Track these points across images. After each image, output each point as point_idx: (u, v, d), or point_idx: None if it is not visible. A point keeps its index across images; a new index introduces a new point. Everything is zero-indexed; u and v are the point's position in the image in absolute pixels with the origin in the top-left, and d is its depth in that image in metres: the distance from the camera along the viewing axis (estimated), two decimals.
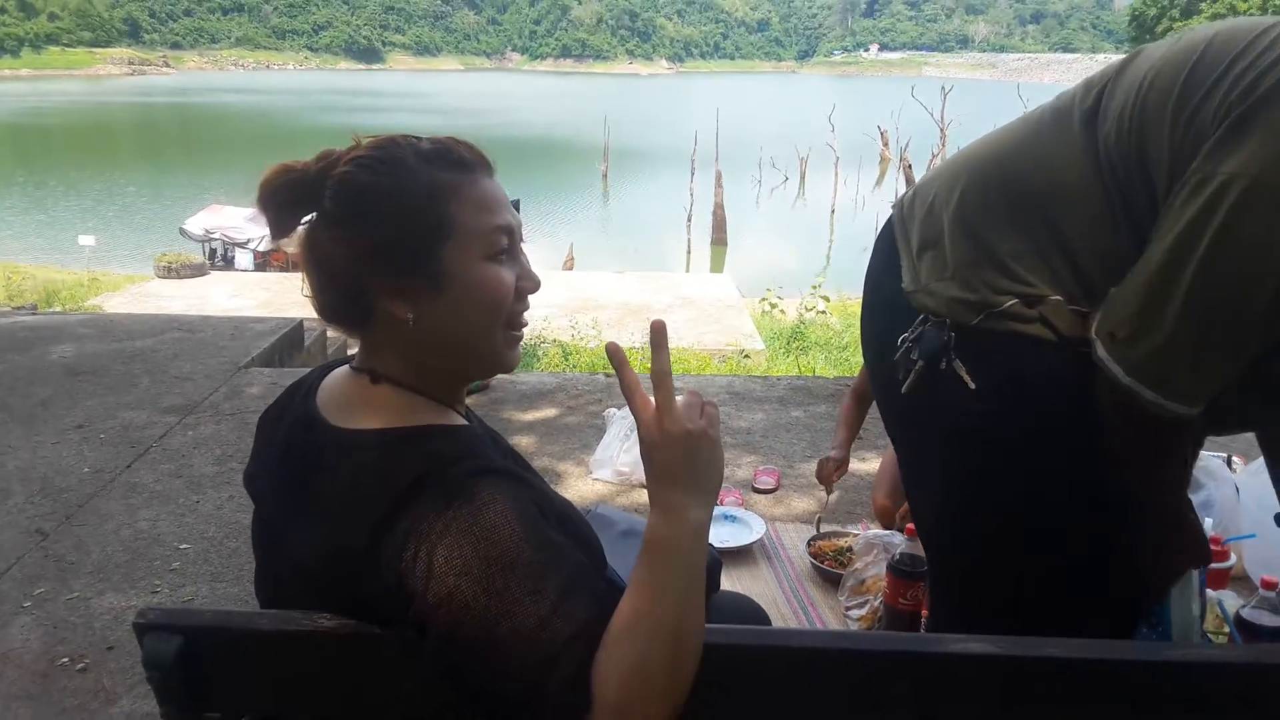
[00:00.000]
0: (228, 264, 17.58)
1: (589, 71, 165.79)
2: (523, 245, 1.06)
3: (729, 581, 2.51)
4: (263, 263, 17.00)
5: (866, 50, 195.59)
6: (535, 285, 1.06)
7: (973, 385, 1.24)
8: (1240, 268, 1.05)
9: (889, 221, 1.43)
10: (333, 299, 0.99)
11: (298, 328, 5.04)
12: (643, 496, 3.02)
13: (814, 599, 2.42)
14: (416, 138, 1.01)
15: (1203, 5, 39.46)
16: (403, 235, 0.95)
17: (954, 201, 1.30)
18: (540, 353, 6.90)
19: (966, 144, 1.42)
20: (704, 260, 20.83)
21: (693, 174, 23.55)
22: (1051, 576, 1.30)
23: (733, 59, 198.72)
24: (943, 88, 26.92)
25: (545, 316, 9.35)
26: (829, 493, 2.59)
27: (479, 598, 0.83)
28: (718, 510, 2.79)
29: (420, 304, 0.96)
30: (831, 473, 2.48)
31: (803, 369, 7.18)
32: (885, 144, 32.20)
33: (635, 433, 3.17)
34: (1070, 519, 1.25)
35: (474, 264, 0.97)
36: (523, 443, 3.47)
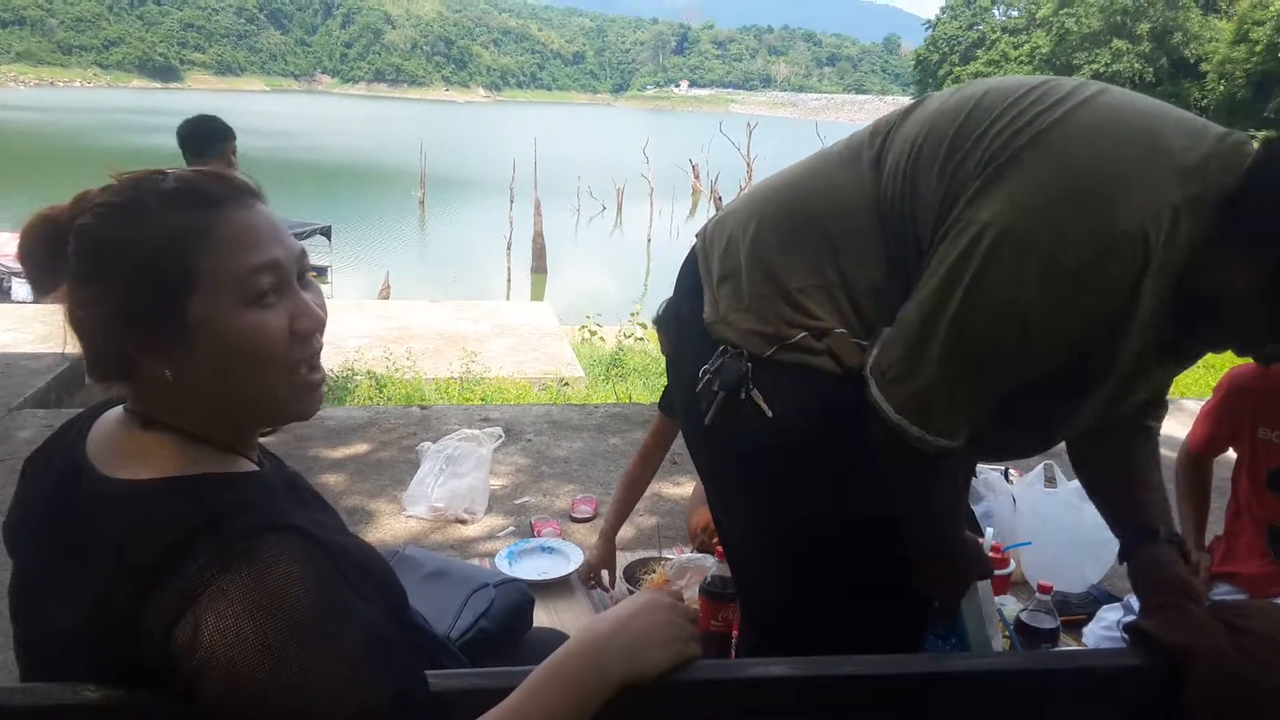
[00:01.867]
0: (3, 295, 15.98)
1: (404, 97, 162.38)
2: (312, 275, 0.99)
3: (545, 616, 2.48)
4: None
5: (677, 86, 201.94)
6: (315, 324, 0.94)
7: (770, 413, 1.29)
8: (992, 313, 1.11)
9: (692, 252, 1.47)
10: (94, 359, 0.90)
11: (77, 364, 4.62)
12: (457, 532, 2.95)
13: None
14: (162, 173, 0.91)
15: (979, 52, 43.10)
16: (142, 291, 0.86)
17: (749, 235, 1.35)
18: (351, 385, 6.64)
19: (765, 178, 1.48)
20: (525, 288, 20.75)
21: (511, 202, 23.44)
22: (843, 595, 1.35)
23: (549, 89, 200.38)
24: (748, 124, 28.11)
25: (358, 347, 9.03)
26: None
27: (256, 670, 0.76)
28: (534, 542, 2.76)
29: (176, 361, 0.87)
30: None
31: (620, 395, 7.27)
32: (696, 176, 33.23)
33: (451, 466, 3.11)
34: (857, 541, 1.31)
35: (229, 313, 0.87)
36: (331, 481, 3.33)
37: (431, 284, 19.57)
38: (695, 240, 1.46)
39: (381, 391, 6.47)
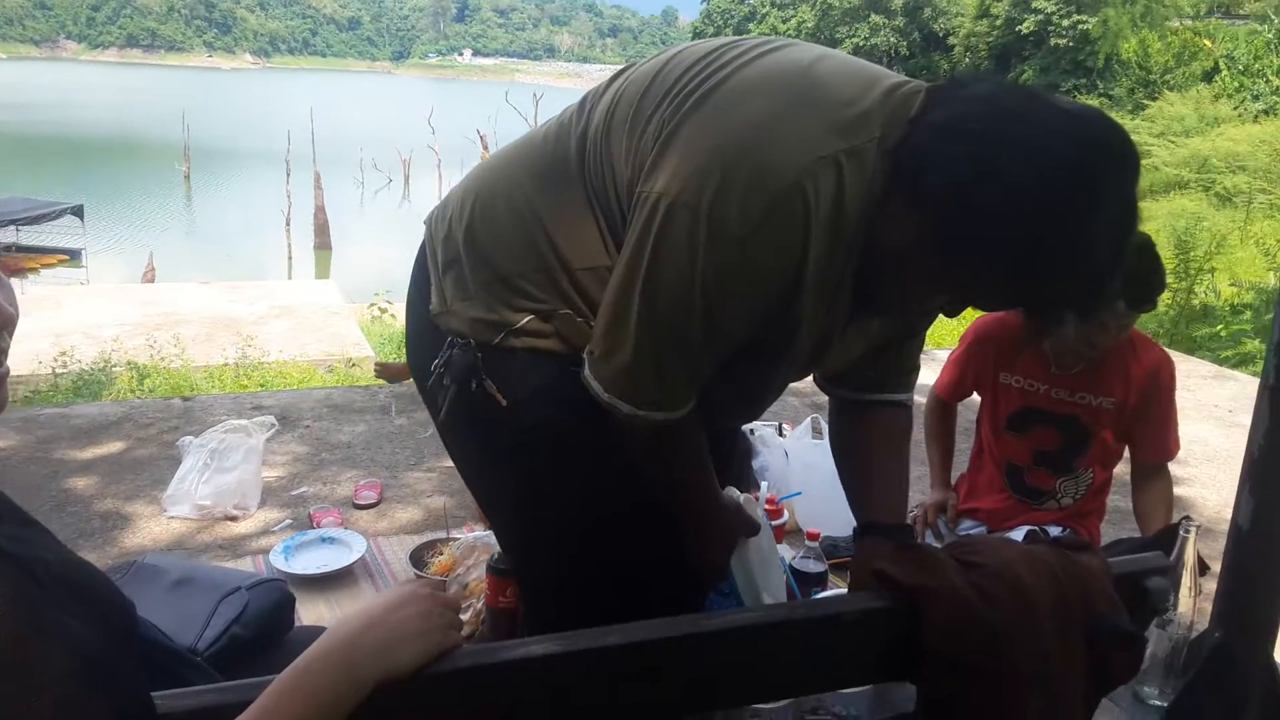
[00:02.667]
0: None
1: (161, 64, 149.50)
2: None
3: (327, 610, 2.38)
4: None
5: (461, 54, 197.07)
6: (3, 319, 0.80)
7: (504, 402, 1.26)
8: (674, 287, 1.10)
9: (424, 240, 1.41)
10: None
11: None
12: (227, 530, 2.76)
13: None
14: None
15: (750, 26, 44.64)
16: None
17: (465, 220, 1.30)
18: (106, 379, 6.08)
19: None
20: (308, 266, 19.72)
21: (288, 175, 22.17)
22: (611, 570, 1.35)
23: (324, 56, 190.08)
24: (534, 94, 27.91)
25: (116, 336, 8.31)
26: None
27: None
28: (313, 534, 2.63)
29: None
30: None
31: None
32: (485, 146, 32.63)
33: (217, 461, 2.90)
34: (616, 517, 1.31)
35: None
36: (80, 485, 3.02)
37: (202, 265, 18.26)
38: (425, 226, 1.41)
39: (143, 384, 5.97)
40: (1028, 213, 0.99)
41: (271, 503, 2.94)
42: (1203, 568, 1.53)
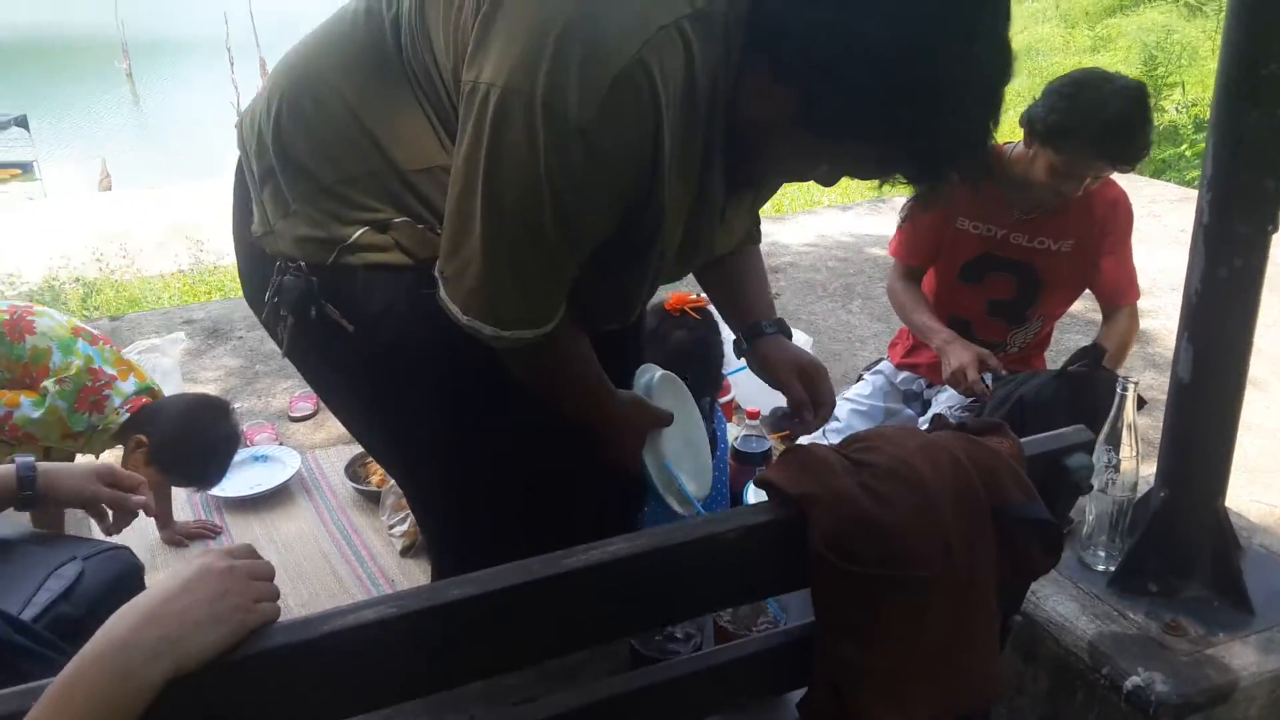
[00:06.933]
0: None
1: None
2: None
3: (262, 531, 2.30)
4: None
5: None
6: None
7: (350, 328, 1.12)
8: (518, 185, 0.97)
9: (239, 151, 1.23)
10: None
11: None
12: None
13: (357, 525, 2.30)
14: None
15: None
16: None
17: (272, 124, 1.13)
18: (52, 298, 5.88)
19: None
20: None
21: (232, 64, 21.21)
22: (510, 484, 1.25)
23: None
24: None
25: (65, 253, 8.05)
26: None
27: None
28: (245, 453, 2.53)
29: None
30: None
31: None
32: None
33: None
34: (499, 430, 1.20)
35: None
36: None
37: (156, 166, 17.67)
38: (236, 134, 1.23)
39: (89, 301, 5.79)
40: (898, 78, 0.91)
41: None
42: (1140, 402, 1.43)
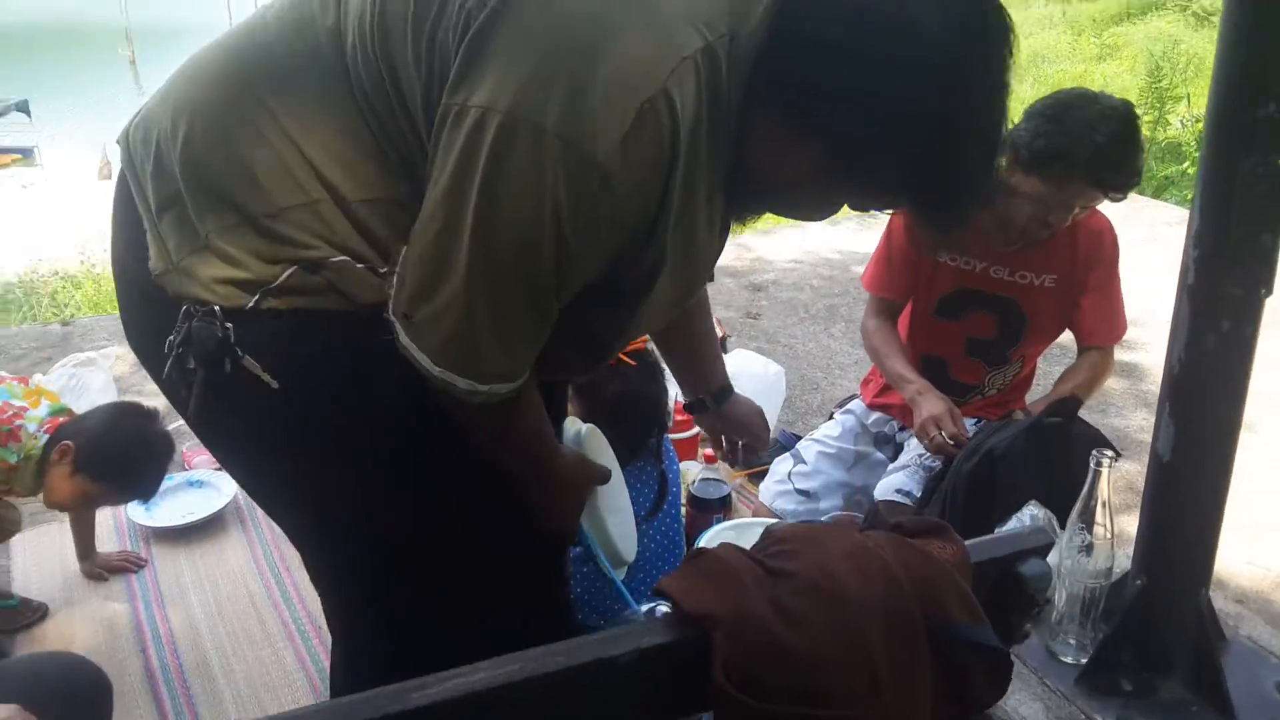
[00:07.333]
0: None
1: None
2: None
3: (189, 567, 2.17)
4: None
5: None
6: None
7: (275, 384, 0.98)
8: (515, 223, 0.86)
9: (122, 173, 1.08)
10: None
11: None
12: None
13: (289, 562, 2.17)
14: None
15: None
16: None
17: (180, 143, 0.98)
18: (23, 293, 5.76)
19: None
20: None
21: None
22: (452, 558, 1.13)
23: None
24: None
25: (51, 245, 7.91)
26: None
27: None
28: (179, 477, 2.40)
29: None
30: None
31: None
32: None
33: (71, 402, 2.63)
34: (443, 498, 1.07)
35: None
36: None
37: None
38: (120, 152, 1.08)
39: (57, 298, 5.66)
40: (914, 131, 0.88)
41: None
42: (1116, 454, 1.28)
